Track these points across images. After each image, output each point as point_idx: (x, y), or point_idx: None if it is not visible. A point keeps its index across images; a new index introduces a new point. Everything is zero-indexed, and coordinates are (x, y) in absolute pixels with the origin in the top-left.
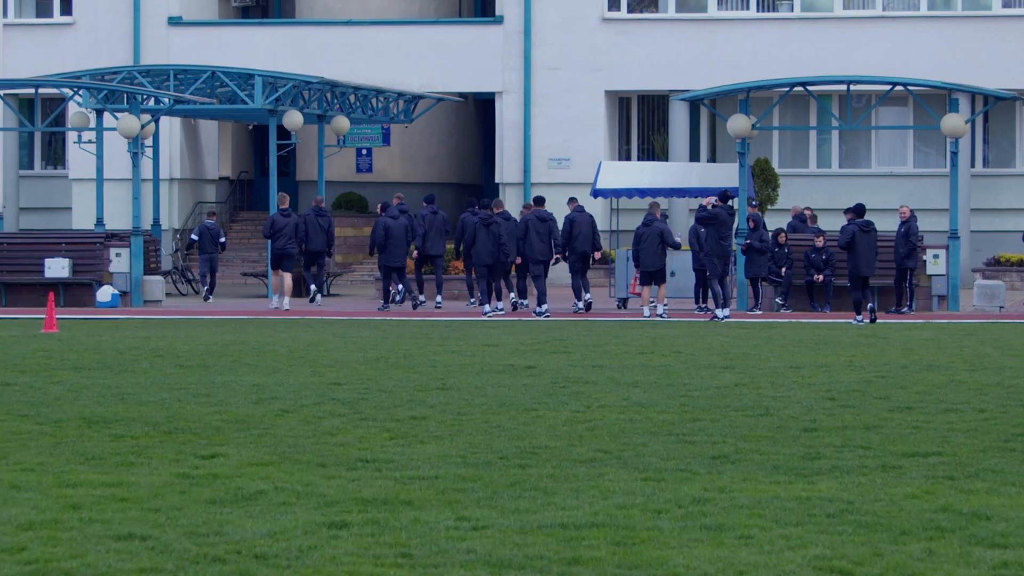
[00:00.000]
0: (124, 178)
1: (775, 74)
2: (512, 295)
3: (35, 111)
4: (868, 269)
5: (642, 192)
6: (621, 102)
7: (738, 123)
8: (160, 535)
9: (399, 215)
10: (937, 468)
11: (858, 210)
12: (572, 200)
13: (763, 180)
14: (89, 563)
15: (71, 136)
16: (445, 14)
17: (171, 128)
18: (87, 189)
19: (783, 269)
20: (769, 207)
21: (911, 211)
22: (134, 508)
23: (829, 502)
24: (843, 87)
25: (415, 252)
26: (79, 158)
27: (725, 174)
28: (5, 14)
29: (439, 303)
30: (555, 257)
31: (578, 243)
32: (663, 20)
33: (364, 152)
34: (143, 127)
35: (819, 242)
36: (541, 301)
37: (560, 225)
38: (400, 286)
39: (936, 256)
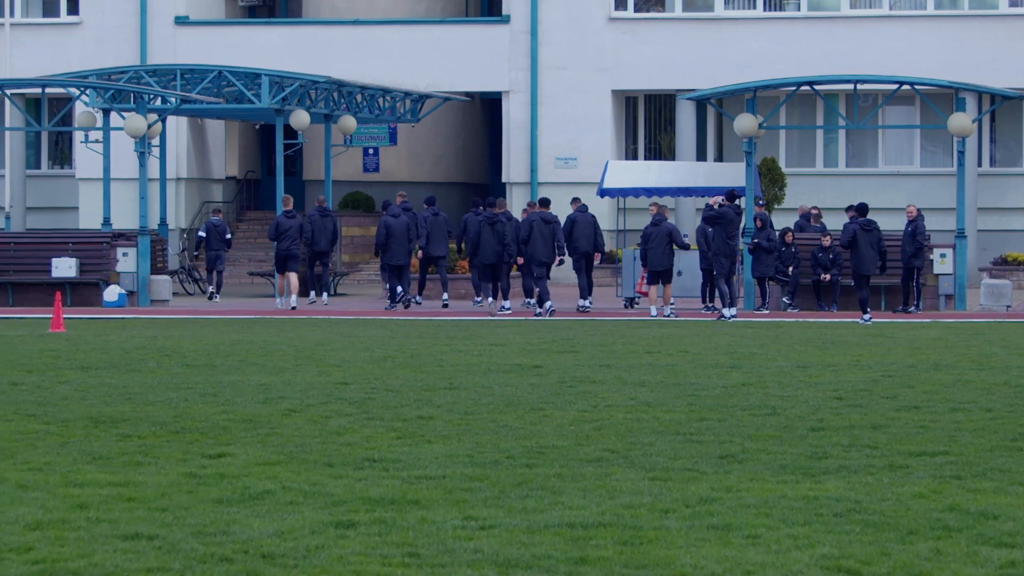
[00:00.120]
0: (131, 178)
1: (782, 73)
2: (506, 302)
3: (42, 111)
4: (870, 267)
5: (649, 191)
6: (628, 101)
7: (745, 122)
8: (167, 535)
9: (401, 214)
10: (944, 467)
11: (860, 209)
12: (575, 200)
13: (770, 179)
14: (96, 563)
15: (78, 136)
16: (452, 13)
17: (178, 128)
18: (94, 189)
19: (790, 268)
20: (776, 206)
21: (918, 210)
22: (141, 508)
23: (836, 501)
24: (850, 86)
25: (420, 253)
26: (86, 158)
27: (732, 173)
28: (12, 14)
29: (446, 301)
30: (558, 259)
31: (579, 243)
32: (670, 19)
33: (371, 152)
34: (150, 127)
35: (826, 241)
36: (543, 300)
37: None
38: (398, 287)
39: (943, 255)
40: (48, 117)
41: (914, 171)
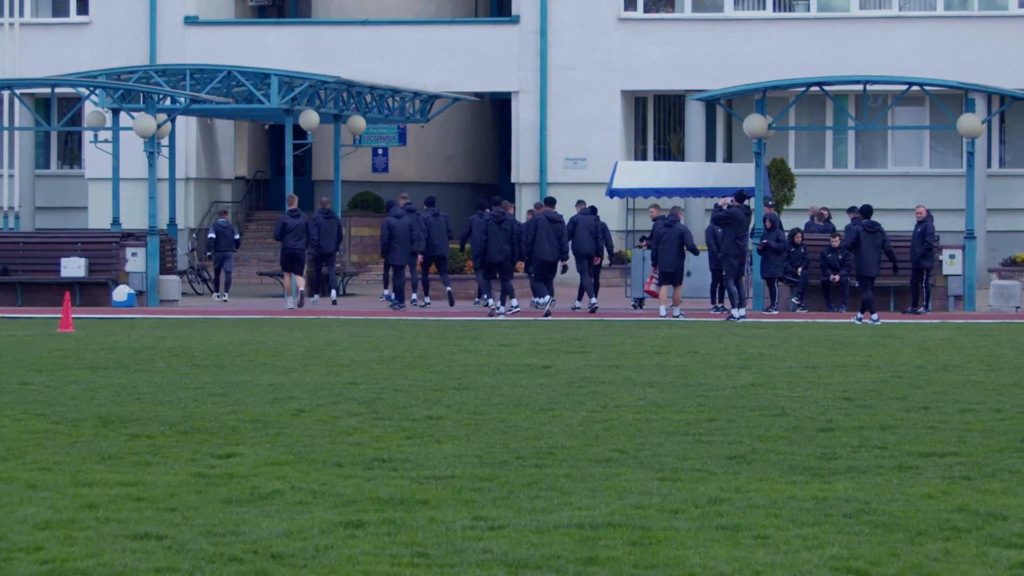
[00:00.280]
0: (140, 178)
1: (791, 74)
2: (514, 300)
3: (51, 110)
4: (873, 269)
5: (658, 192)
6: (637, 102)
7: (754, 123)
8: (176, 534)
9: (404, 215)
10: (954, 468)
11: (865, 210)
12: (580, 203)
13: (779, 180)
14: (105, 562)
15: (87, 135)
16: (461, 14)
17: (187, 128)
18: (103, 188)
19: (799, 269)
20: (785, 207)
21: (927, 211)
22: (150, 508)
23: (846, 502)
24: (859, 87)
25: (420, 258)
26: (95, 157)
27: (741, 174)
28: (22, 13)
29: (448, 290)
30: (561, 265)
31: (580, 244)
32: (679, 20)
33: (380, 152)
34: (159, 127)
35: (835, 242)
36: (538, 293)
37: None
38: (388, 289)
39: (952, 256)
40: (57, 117)
41: (923, 172)
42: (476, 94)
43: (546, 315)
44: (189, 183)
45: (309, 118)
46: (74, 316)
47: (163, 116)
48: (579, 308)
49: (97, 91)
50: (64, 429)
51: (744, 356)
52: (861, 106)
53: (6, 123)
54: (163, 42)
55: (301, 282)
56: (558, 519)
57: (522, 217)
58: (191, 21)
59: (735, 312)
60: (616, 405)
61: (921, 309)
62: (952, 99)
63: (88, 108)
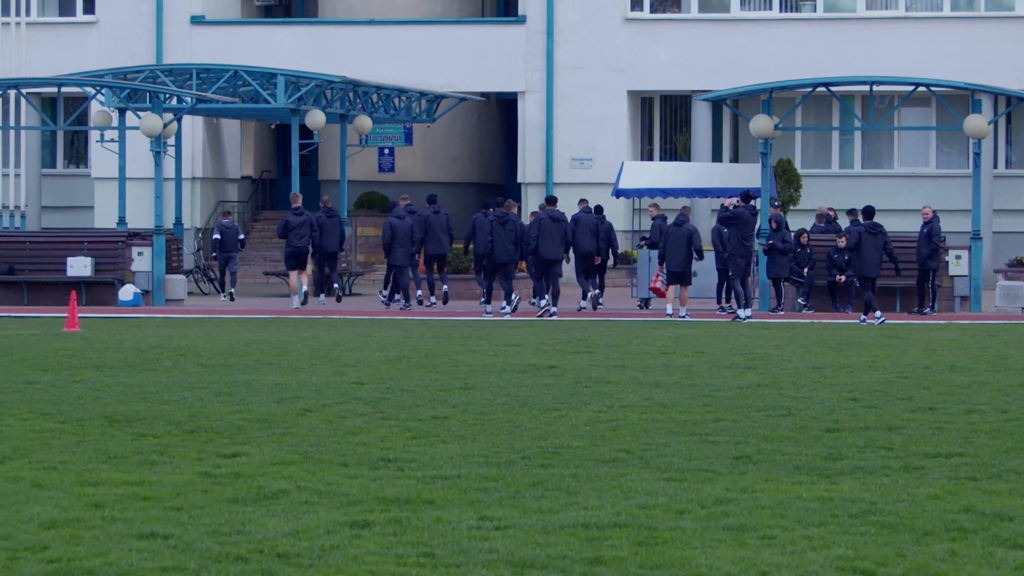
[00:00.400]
0: (146, 177)
1: (798, 74)
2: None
3: (57, 110)
4: (874, 270)
5: (664, 192)
6: (643, 102)
7: (761, 123)
8: (182, 534)
9: (406, 216)
10: (960, 469)
11: (867, 211)
12: (582, 201)
13: (785, 180)
14: (111, 562)
15: (93, 135)
16: (468, 14)
17: (193, 127)
18: (109, 188)
19: (805, 270)
20: (791, 207)
21: (934, 212)
22: (156, 507)
23: (851, 503)
24: (866, 88)
25: (420, 258)
26: (101, 157)
27: (747, 174)
28: (28, 13)
29: (445, 291)
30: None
31: (579, 243)
32: (686, 20)
33: (386, 152)
34: (165, 126)
35: (841, 242)
36: (538, 294)
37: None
38: (386, 290)
39: (958, 257)
40: (64, 116)
41: (930, 172)
42: (482, 94)
43: (544, 315)
44: (195, 183)
45: (315, 118)
46: (80, 315)
47: (169, 116)
48: (584, 308)
49: (103, 90)
50: (70, 428)
51: (750, 356)
52: (867, 107)
53: (12, 122)
54: (169, 42)
55: (304, 280)
56: (564, 519)
57: (526, 218)
58: (197, 21)
59: (741, 312)
60: (622, 405)
61: (927, 310)
62: (959, 100)
63: (94, 107)
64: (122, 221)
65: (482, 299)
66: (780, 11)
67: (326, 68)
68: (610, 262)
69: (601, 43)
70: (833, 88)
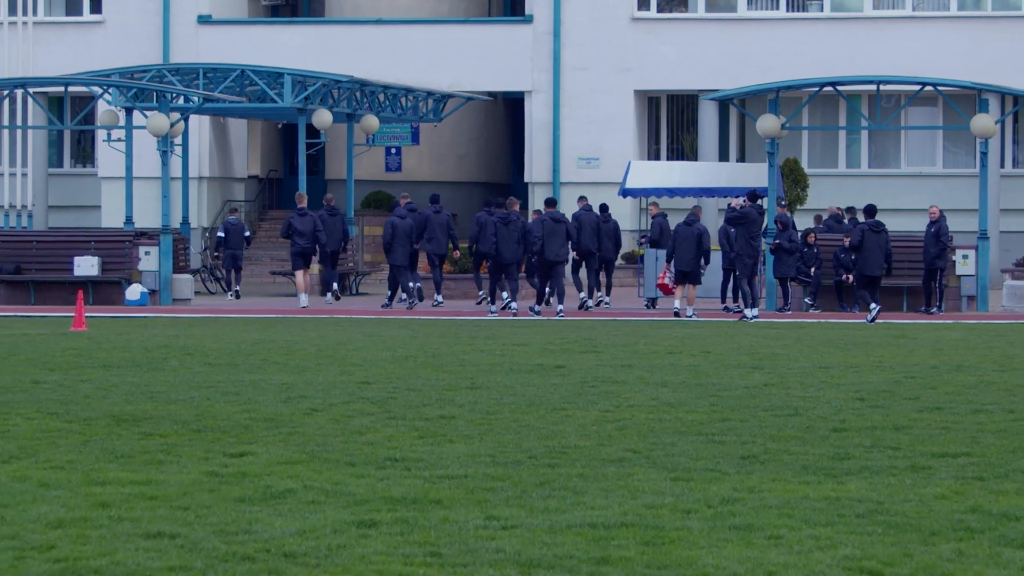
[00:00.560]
0: (153, 176)
1: (804, 74)
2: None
3: (64, 109)
4: (876, 268)
5: (671, 192)
6: (650, 102)
7: (767, 123)
8: (189, 533)
9: (407, 215)
10: (967, 469)
11: (869, 210)
12: (582, 199)
13: (792, 180)
14: (118, 561)
15: (100, 134)
16: (475, 13)
17: (200, 127)
18: (116, 187)
19: (812, 269)
20: (798, 207)
21: (940, 211)
22: (163, 506)
23: (858, 502)
24: (872, 87)
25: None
26: (108, 156)
27: (754, 174)
28: (35, 12)
29: (439, 301)
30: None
31: (582, 242)
32: (692, 20)
33: (393, 151)
34: (172, 125)
35: (847, 242)
36: (541, 298)
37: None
38: (415, 284)
39: (965, 257)
40: (71, 116)
41: (936, 172)
42: (489, 94)
43: (541, 312)
44: (202, 182)
45: (322, 117)
46: (87, 315)
47: (176, 115)
48: (590, 307)
49: (110, 90)
50: (77, 428)
51: (757, 356)
52: (874, 106)
53: (19, 122)
54: (176, 41)
55: (306, 282)
56: (571, 519)
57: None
58: (204, 20)
59: (748, 312)
60: (629, 405)
61: (934, 309)
62: (965, 99)
63: (101, 107)
64: (129, 220)
65: (482, 298)
66: (787, 10)
67: (333, 67)
68: (618, 261)
69: (608, 43)
70: (840, 88)
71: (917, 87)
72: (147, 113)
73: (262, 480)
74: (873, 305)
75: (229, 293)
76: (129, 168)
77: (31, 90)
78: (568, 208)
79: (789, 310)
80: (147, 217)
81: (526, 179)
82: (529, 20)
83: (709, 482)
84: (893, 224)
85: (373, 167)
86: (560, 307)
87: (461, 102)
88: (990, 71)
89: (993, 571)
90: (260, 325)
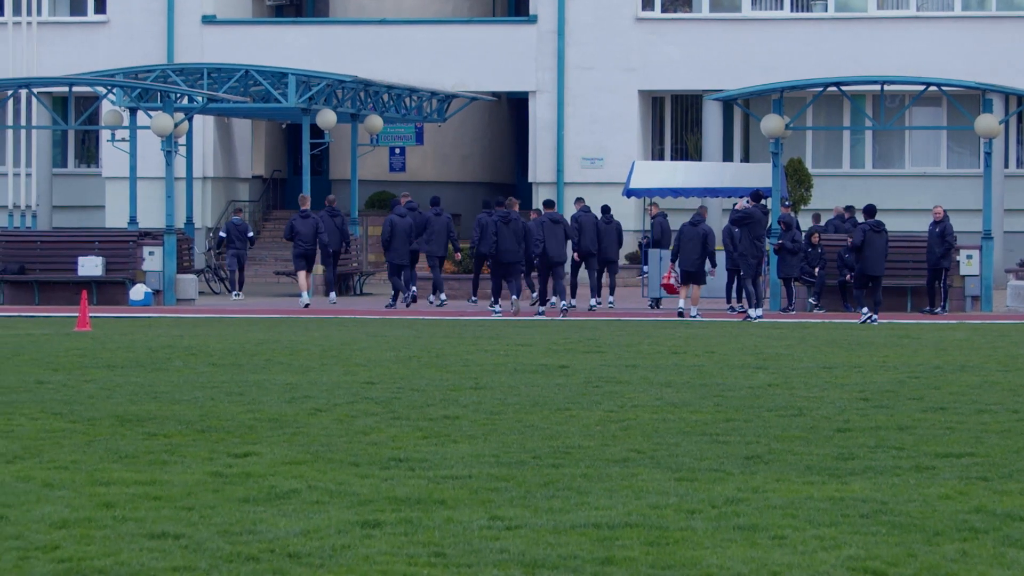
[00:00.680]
0: (157, 176)
1: (809, 74)
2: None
3: (68, 109)
4: (879, 268)
5: (675, 192)
6: (654, 102)
7: (772, 123)
8: (193, 534)
9: (407, 214)
10: (971, 469)
11: (868, 210)
12: (579, 200)
13: (796, 180)
14: (122, 561)
15: (104, 134)
16: (479, 13)
17: (204, 127)
18: (120, 187)
19: (816, 269)
20: (802, 207)
21: (944, 211)
22: (167, 507)
23: (863, 503)
24: (877, 87)
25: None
26: (112, 156)
27: (758, 174)
28: (40, 12)
29: (443, 301)
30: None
31: (583, 243)
32: (697, 20)
33: (397, 151)
34: (176, 125)
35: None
36: (542, 298)
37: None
38: (412, 287)
39: (969, 257)
40: (75, 116)
41: (940, 172)
42: (493, 94)
43: (539, 313)
44: (206, 182)
45: (326, 117)
46: (91, 315)
47: (180, 115)
48: (597, 307)
49: (114, 90)
50: (81, 428)
51: (761, 356)
52: (878, 106)
53: (24, 122)
54: (180, 41)
55: (308, 282)
56: (575, 519)
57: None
58: (209, 20)
59: (752, 312)
60: (633, 405)
61: (938, 310)
62: (969, 99)
63: (105, 107)
64: (133, 221)
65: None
66: (791, 11)
67: (337, 68)
68: (622, 261)
69: (612, 43)
70: (844, 88)
71: (921, 87)
72: (151, 113)
73: (266, 480)
74: (865, 311)
75: (234, 293)
76: (133, 168)
77: (35, 90)
78: (567, 210)
79: (793, 310)
80: (151, 217)
81: (530, 179)
82: (533, 20)
83: (713, 482)
84: (897, 224)
85: (377, 167)
86: (565, 304)
87: (465, 102)
88: (994, 71)
89: (997, 571)
90: (264, 325)
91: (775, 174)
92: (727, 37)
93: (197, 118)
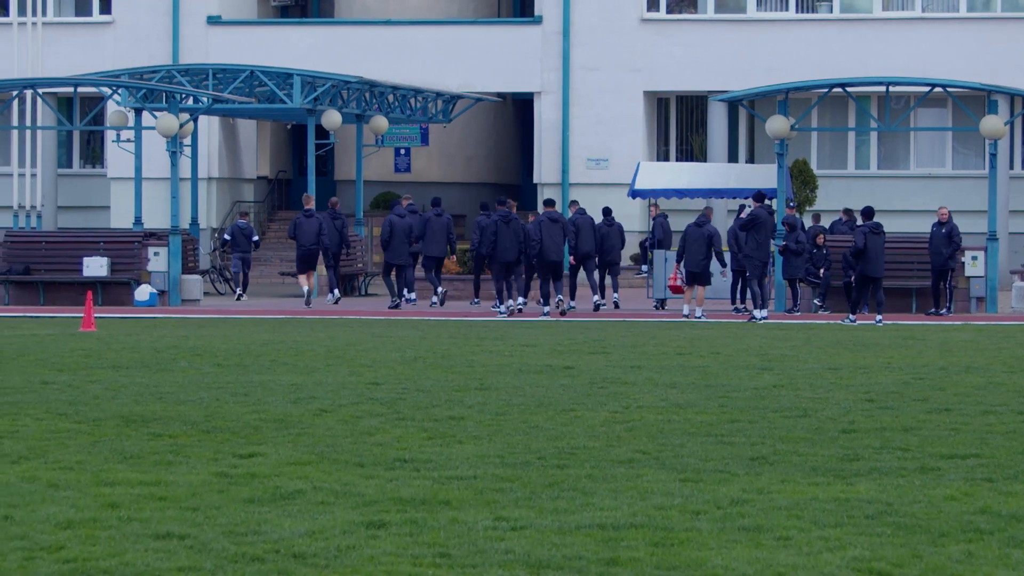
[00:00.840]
0: (162, 177)
1: (814, 75)
2: (522, 298)
3: (74, 110)
4: (879, 270)
5: (680, 193)
6: (660, 102)
7: (777, 124)
8: (198, 534)
9: (407, 215)
10: (976, 470)
11: (867, 212)
12: (573, 203)
13: (801, 181)
14: (127, 562)
15: (109, 135)
16: (484, 14)
17: (209, 127)
18: (125, 188)
19: (821, 270)
20: (807, 208)
21: (949, 212)
22: (172, 507)
23: (868, 504)
24: (882, 88)
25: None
26: (117, 157)
27: (763, 175)
28: (45, 13)
29: (442, 295)
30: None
31: (581, 245)
32: (702, 21)
33: (402, 152)
34: (182, 126)
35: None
36: (547, 299)
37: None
38: (412, 293)
39: (974, 258)
40: (80, 116)
41: (946, 173)
42: (498, 94)
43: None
44: (211, 183)
45: (331, 118)
46: (96, 315)
47: (185, 116)
48: (603, 305)
49: (120, 90)
50: (86, 428)
51: (766, 357)
52: (884, 107)
53: (29, 122)
54: (186, 42)
55: (311, 283)
56: (580, 520)
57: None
58: (214, 21)
59: (757, 313)
60: (638, 406)
61: (943, 311)
62: (975, 100)
63: (111, 107)
64: (138, 221)
65: (474, 299)
66: (796, 12)
67: (342, 68)
68: (625, 262)
69: (617, 43)
70: (849, 89)
71: (926, 88)
72: (156, 114)
73: (271, 481)
74: (851, 318)
75: (237, 293)
76: (138, 169)
77: (40, 90)
78: (594, 212)
79: (798, 311)
80: (156, 218)
81: (535, 180)
82: (538, 21)
83: (718, 483)
84: (903, 226)
85: (382, 168)
86: (571, 303)
87: (470, 103)
88: (999, 72)
89: (1003, 572)
90: (269, 326)
91: (780, 175)
92: (732, 38)
93: (202, 119)
